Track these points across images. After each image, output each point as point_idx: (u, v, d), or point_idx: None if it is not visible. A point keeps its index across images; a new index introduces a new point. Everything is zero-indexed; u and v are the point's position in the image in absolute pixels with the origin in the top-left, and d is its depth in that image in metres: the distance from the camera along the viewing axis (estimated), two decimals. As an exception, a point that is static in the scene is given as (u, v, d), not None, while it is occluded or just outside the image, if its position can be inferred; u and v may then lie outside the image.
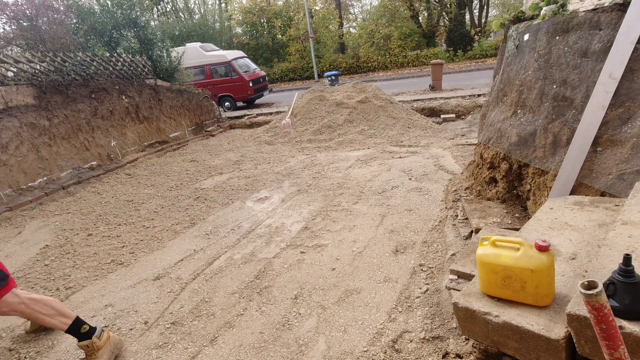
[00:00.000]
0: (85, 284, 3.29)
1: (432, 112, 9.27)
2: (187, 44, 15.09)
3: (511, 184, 3.15)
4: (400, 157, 5.83)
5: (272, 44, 24.25)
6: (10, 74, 5.94)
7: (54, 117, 6.33)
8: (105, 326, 2.69)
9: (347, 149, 6.76)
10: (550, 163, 2.60)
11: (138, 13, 9.50)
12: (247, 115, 11.90)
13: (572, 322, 1.27)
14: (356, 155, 6.24)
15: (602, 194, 2.24)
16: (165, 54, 9.89)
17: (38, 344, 2.59)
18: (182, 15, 27.15)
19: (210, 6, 28.49)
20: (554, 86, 2.67)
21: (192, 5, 28.69)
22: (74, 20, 8.87)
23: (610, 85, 2.29)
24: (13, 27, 8.02)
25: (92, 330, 2.30)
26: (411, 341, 2.20)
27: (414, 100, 10.29)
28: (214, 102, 11.29)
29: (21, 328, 2.75)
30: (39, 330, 2.68)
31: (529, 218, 2.65)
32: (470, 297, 1.62)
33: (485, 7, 23.50)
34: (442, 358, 2.01)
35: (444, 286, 2.56)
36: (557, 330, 1.36)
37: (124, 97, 7.85)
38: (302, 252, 3.38)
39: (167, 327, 2.60)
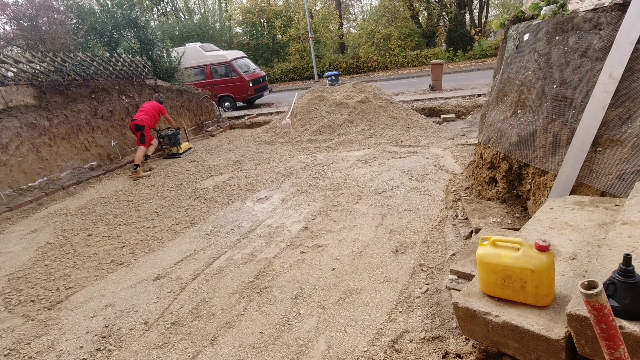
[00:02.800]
0: (85, 284, 3.29)
1: (432, 112, 9.26)
2: (187, 44, 15.05)
3: (511, 184, 3.15)
4: (400, 157, 5.83)
5: (272, 44, 24.23)
6: (10, 74, 5.94)
7: (54, 118, 6.32)
8: (106, 326, 2.69)
9: (347, 149, 6.76)
10: (550, 163, 2.60)
11: (138, 13, 9.50)
12: (247, 115, 11.90)
13: (572, 322, 1.27)
14: (356, 155, 6.24)
15: (602, 194, 2.24)
16: (165, 54, 9.87)
17: (38, 344, 2.59)
18: (182, 16, 27.14)
19: (210, 6, 28.45)
20: (554, 86, 2.67)
21: (192, 5, 28.68)
22: (74, 21, 8.86)
23: (610, 85, 2.29)
24: (13, 27, 8.01)
25: None
26: (411, 341, 2.20)
27: (414, 100, 10.28)
28: (214, 102, 11.28)
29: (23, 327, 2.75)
30: None
31: (529, 218, 2.64)
32: (470, 297, 1.62)
33: (485, 7, 23.46)
34: (442, 358, 2.01)
35: (444, 286, 2.56)
36: (557, 330, 1.36)
37: (124, 97, 7.84)
38: (302, 252, 3.38)
39: (167, 327, 2.61)
